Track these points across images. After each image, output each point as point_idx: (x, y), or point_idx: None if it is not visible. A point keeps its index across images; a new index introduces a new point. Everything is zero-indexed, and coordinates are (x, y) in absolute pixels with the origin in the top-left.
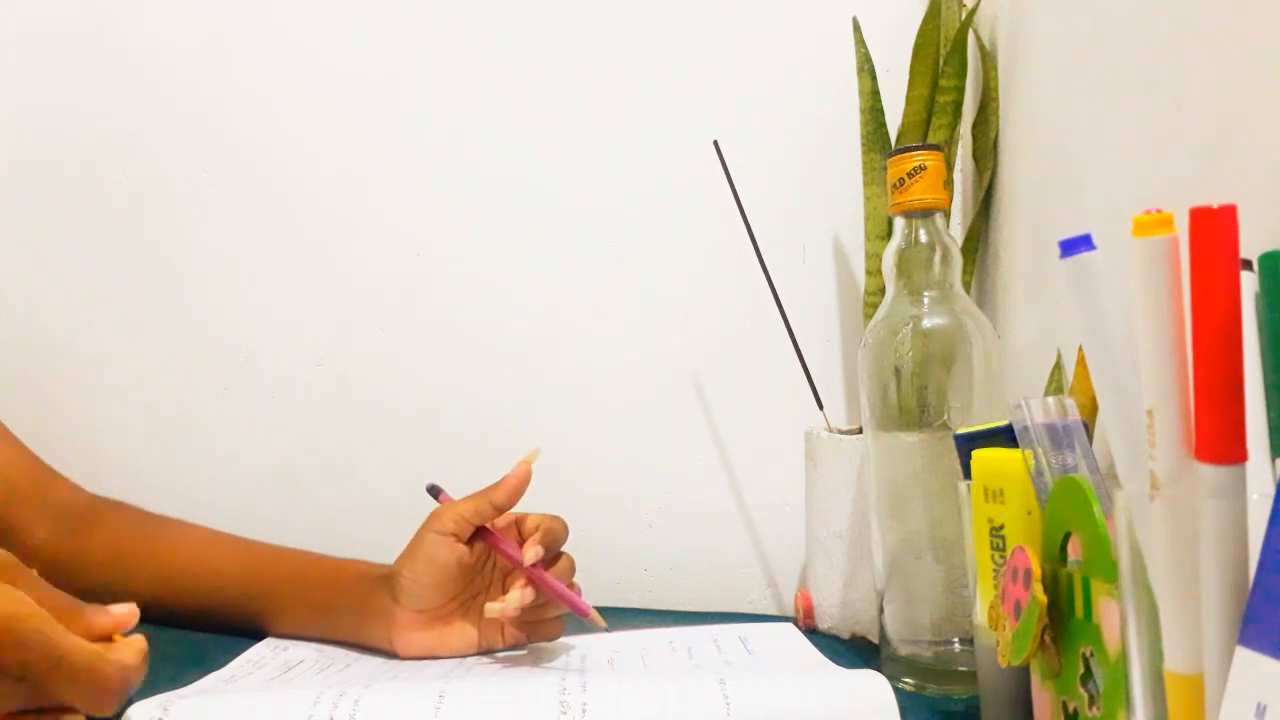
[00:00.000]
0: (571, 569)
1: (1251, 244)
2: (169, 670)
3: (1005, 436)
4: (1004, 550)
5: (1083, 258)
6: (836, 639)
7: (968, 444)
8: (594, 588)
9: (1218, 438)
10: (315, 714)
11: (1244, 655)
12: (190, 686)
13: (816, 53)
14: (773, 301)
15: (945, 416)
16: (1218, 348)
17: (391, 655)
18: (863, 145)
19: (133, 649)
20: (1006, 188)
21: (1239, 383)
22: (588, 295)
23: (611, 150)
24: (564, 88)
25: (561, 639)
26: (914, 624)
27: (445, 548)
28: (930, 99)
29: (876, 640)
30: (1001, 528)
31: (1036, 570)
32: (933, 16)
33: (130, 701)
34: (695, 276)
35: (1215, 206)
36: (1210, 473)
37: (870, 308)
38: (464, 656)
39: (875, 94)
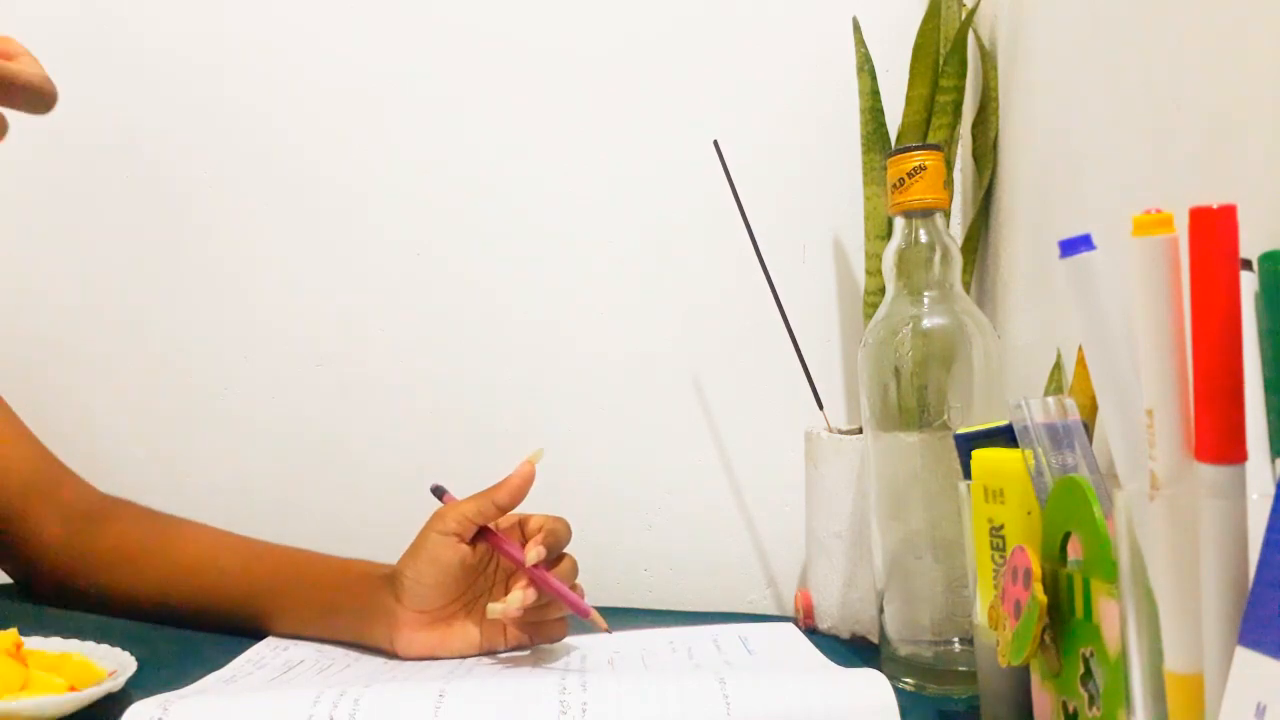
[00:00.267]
0: (574, 570)
1: (1251, 244)
2: (169, 670)
3: (1005, 436)
4: (1004, 550)
5: (1083, 258)
6: (836, 639)
7: (968, 444)
8: (595, 588)
9: (1217, 438)
10: (315, 714)
11: (1244, 655)
12: (190, 686)
13: (816, 53)
14: (773, 301)
15: (945, 416)
16: (1217, 348)
17: (392, 656)
18: (863, 145)
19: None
20: (1006, 188)
21: (1239, 383)
22: (587, 295)
23: (611, 150)
24: (564, 87)
25: (561, 639)
26: (914, 624)
27: (448, 548)
28: (930, 99)
29: (876, 640)
30: (1001, 528)
31: (1036, 570)
32: (933, 16)
33: (130, 701)
34: (695, 276)
35: (1215, 206)
36: (1210, 473)
37: (870, 308)
38: (465, 657)
39: (875, 94)
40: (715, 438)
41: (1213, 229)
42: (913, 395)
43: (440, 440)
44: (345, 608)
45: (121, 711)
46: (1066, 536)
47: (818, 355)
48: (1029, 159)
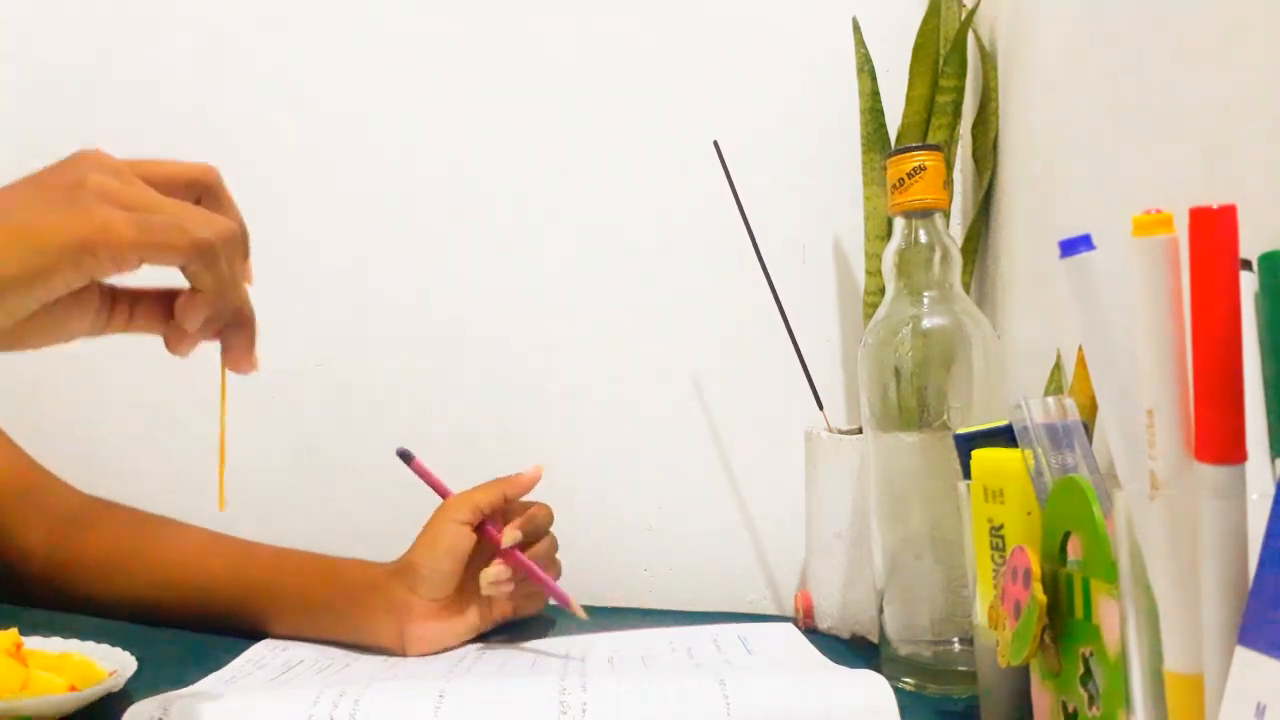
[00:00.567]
0: (552, 549)
1: (1251, 244)
2: (169, 670)
3: (1005, 436)
4: (1004, 550)
5: (1082, 258)
6: (836, 639)
7: (968, 444)
8: (595, 588)
9: (1217, 438)
10: (315, 714)
11: (1244, 655)
12: (190, 686)
13: (816, 53)
14: (773, 301)
15: (945, 416)
16: (1217, 348)
17: (394, 653)
18: (863, 145)
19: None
20: (1006, 188)
21: (1239, 383)
22: (587, 295)
23: (611, 150)
24: (563, 88)
25: (561, 638)
26: (914, 624)
27: (464, 537)
28: (930, 99)
29: (876, 640)
30: (1001, 528)
31: (1036, 570)
32: (933, 16)
33: (130, 701)
34: (695, 277)
35: (1215, 207)
36: (1210, 473)
37: (870, 308)
38: (466, 645)
39: (875, 94)
40: (715, 438)
41: (1213, 229)
42: (913, 395)
43: (439, 440)
44: (342, 607)
45: (121, 711)
46: (1066, 536)
47: (818, 355)
48: (1029, 159)
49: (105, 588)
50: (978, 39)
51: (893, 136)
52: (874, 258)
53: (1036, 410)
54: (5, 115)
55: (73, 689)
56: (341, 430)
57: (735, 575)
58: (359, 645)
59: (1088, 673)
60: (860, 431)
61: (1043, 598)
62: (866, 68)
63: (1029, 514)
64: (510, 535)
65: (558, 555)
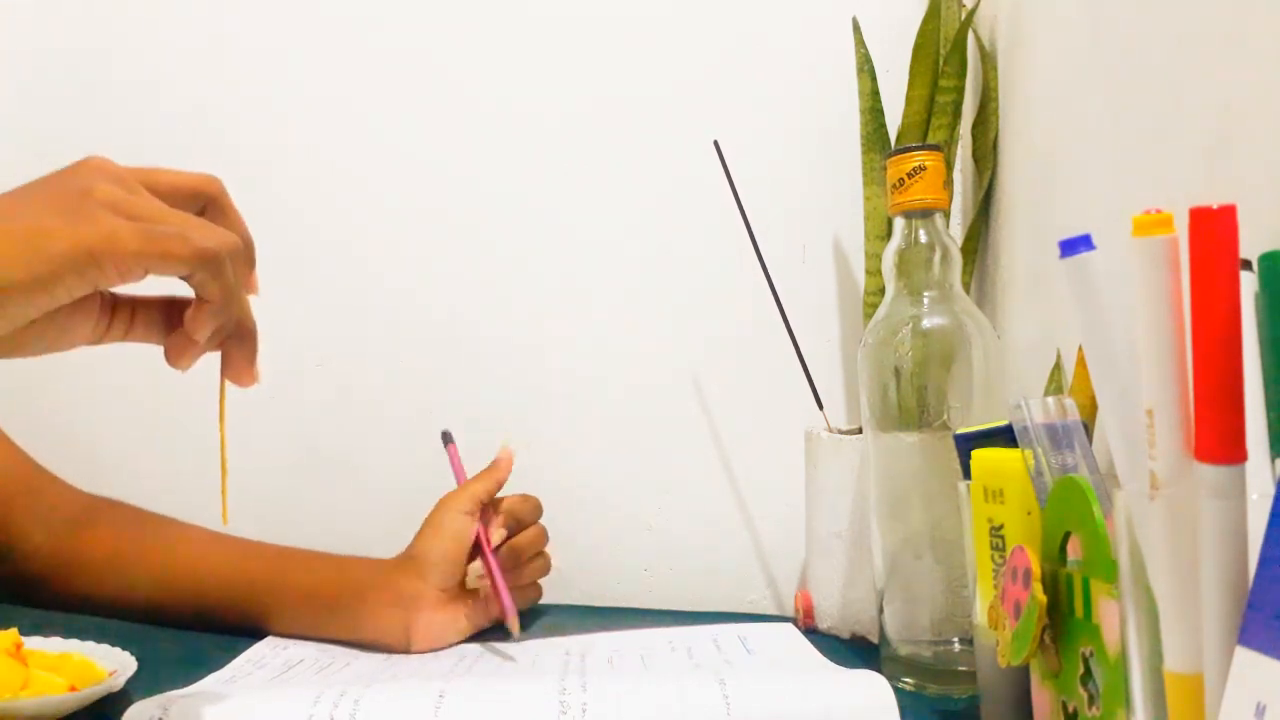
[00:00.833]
0: (538, 540)
1: (1251, 244)
2: (169, 670)
3: (1005, 436)
4: (1004, 550)
5: (1082, 258)
6: (836, 639)
7: (968, 444)
8: (594, 588)
9: (1217, 438)
10: (315, 714)
11: (1244, 655)
12: (190, 686)
13: (816, 53)
14: (773, 301)
15: (945, 416)
16: (1217, 348)
17: (398, 649)
18: (863, 145)
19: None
20: (1006, 188)
21: (1239, 383)
22: (587, 295)
23: (611, 150)
24: (563, 87)
25: (562, 639)
26: (914, 624)
27: (468, 525)
28: (930, 99)
29: (876, 640)
30: (1001, 528)
31: (1036, 570)
32: (933, 16)
33: (130, 701)
34: (695, 276)
35: (1215, 206)
36: (1210, 473)
37: (870, 308)
38: (466, 644)
39: (875, 94)
40: (715, 438)
41: (1213, 229)
42: (913, 395)
43: (439, 441)
44: (345, 602)
45: (121, 711)
46: (1066, 536)
47: (818, 355)
48: (1029, 159)
49: (106, 587)
50: (978, 39)
51: (893, 136)
52: (874, 258)
53: (1036, 410)
54: (5, 114)
55: (72, 689)
56: (342, 430)
57: (735, 575)
58: (362, 643)
59: (1088, 673)
60: (860, 431)
61: (1043, 598)
62: (866, 68)
63: (1029, 514)
64: (496, 535)
65: (547, 550)
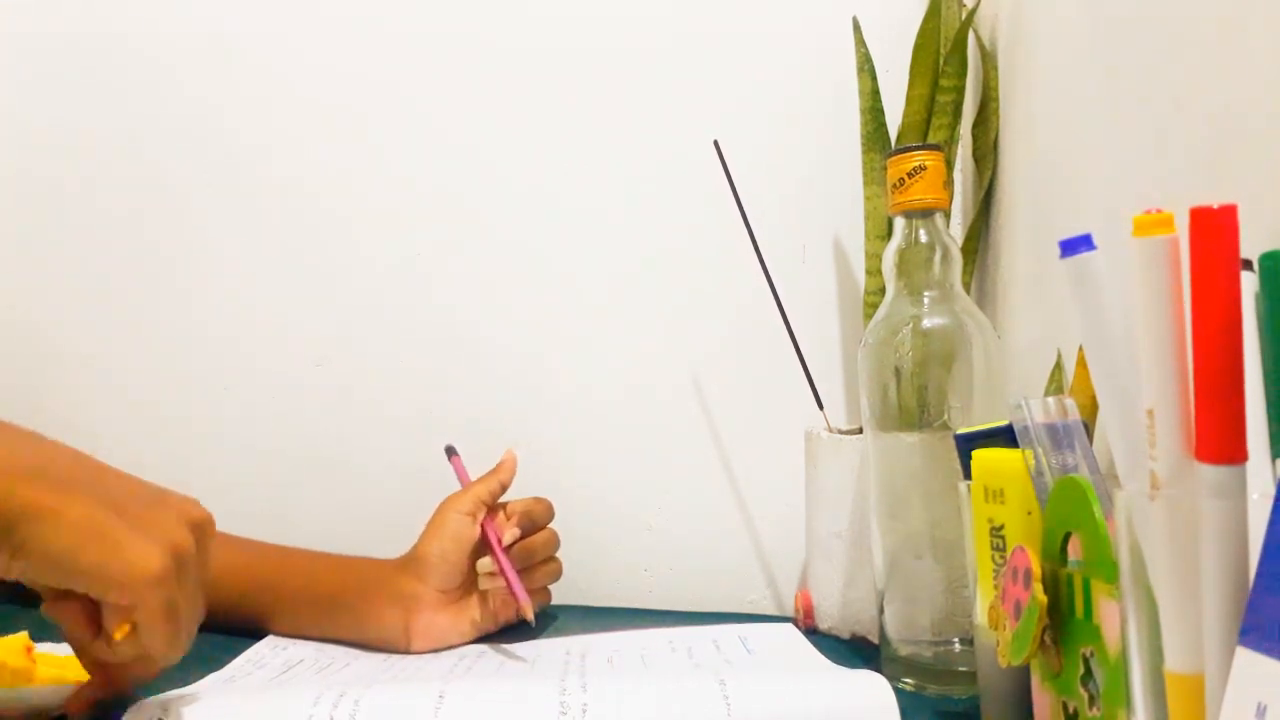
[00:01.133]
0: (550, 544)
1: (1252, 244)
2: (169, 670)
3: (1005, 436)
4: (1004, 550)
5: (1083, 258)
6: (836, 639)
7: (968, 444)
8: (594, 588)
9: (1218, 438)
10: (315, 714)
11: (1244, 655)
12: (190, 686)
13: (816, 53)
14: (773, 301)
15: (945, 416)
16: (1218, 348)
17: (398, 649)
18: (863, 145)
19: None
20: (1006, 188)
21: (1239, 383)
22: (587, 295)
23: (611, 150)
24: (564, 87)
25: (561, 638)
26: (914, 624)
27: (468, 526)
28: (930, 99)
29: (876, 640)
30: (1001, 528)
31: (1036, 570)
32: (933, 16)
33: (131, 701)
34: (695, 276)
35: (1215, 206)
36: (1210, 473)
37: (870, 308)
38: (470, 642)
39: (875, 94)
40: (715, 438)
41: (1213, 229)
42: (913, 395)
43: (439, 440)
44: (346, 601)
45: (122, 712)
46: (1067, 536)
47: (818, 355)
48: (1029, 159)
49: None
50: (978, 38)
51: (893, 136)
52: (874, 257)
53: (1037, 410)
54: (4, 113)
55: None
56: (342, 430)
57: (735, 575)
58: (363, 642)
59: (1088, 673)
60: (860, 431)
61: (1043, 598)
62: (866, 67)
63: (1029, 514)
64: (510, 534)
65: (558, 555)
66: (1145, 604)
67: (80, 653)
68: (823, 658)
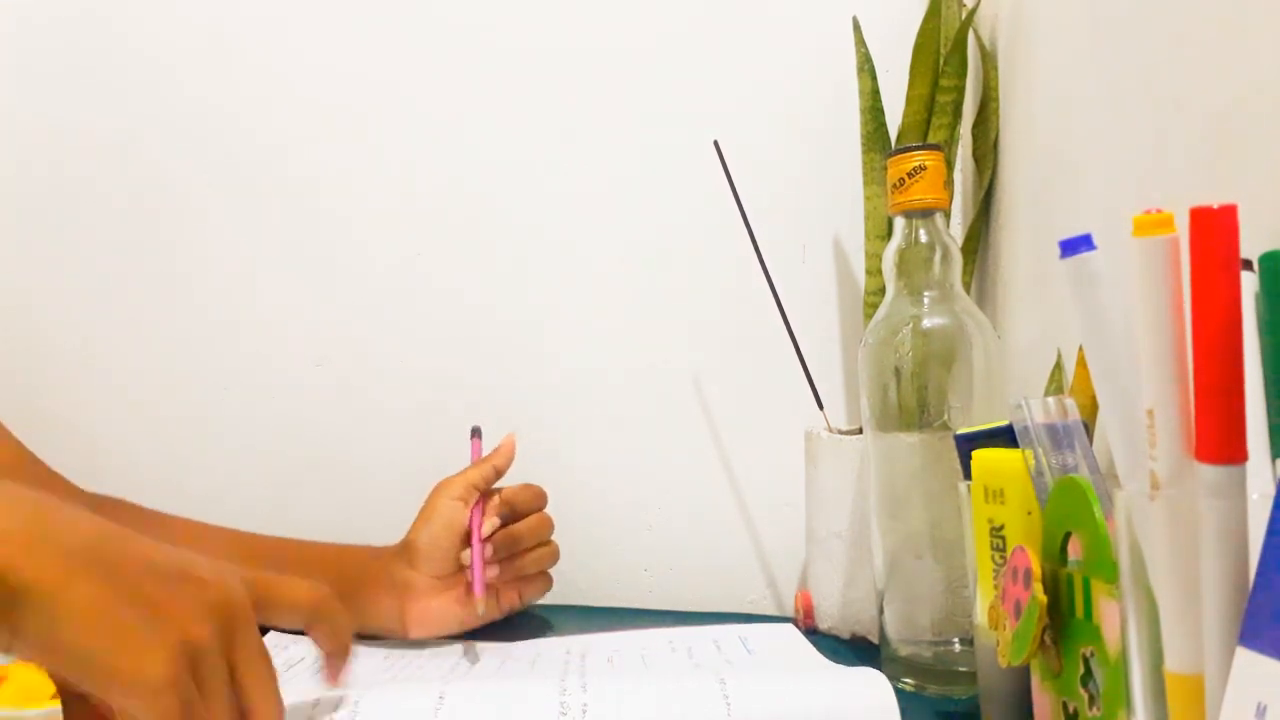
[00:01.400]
0: (540, 529)
1: (1252, 244)
2: None
3: (1005, 436)
4: (1004, 550)
5: (1083, 257)
6: (836, 639)
7: (968, 444)
8: (594, 587)
9: (1218, 438)
10: (314, 716)
11: (1244, 655)
12: None
13: (816, 53)
14: (773, 301)
15: (945, 416)
16: (1218, 348)
17: (393, 637)
18: (863, 145)
19: None
20: (1006, 188)
21: (1239, 383)
22: (587, 295)
23: (611, 150)
24: (564, 87)
25: (561, 638)
26: (914, 624)
27: (458, 511)
28: (930, 99)
29: (876, 640)
30: (1002, 528)
31: (1036, 570)
32: (933, 16)
33: None
34: (695, 276)
35: (1215, 206)
36: (1210, 473)
37: (870, 308)
38: (468, 640)
39: (875, 94)
40: (715, 438)
41: (1213, 229)
42: (913, 395)
43: (439, 440)
44: (342, 592)
45: None
46: (1067, 536)
47: (818, 355)
48: (1029, 159)
49: None
50: (978, 38)
51: (893, 136)
52: (874, 257)
53: (1037, 410)
54: (4, 112)
55: None
56: (342, 430)
57: (735, 575)
58: (360, 631)
59: (1088, 673)
60: (860, 431)
61: (1043, 598)
62: (866, 67)
63: (1029, 514)
64: (489, 524)
65: (553, 539)
66: (1145, 604)
67: None
68: (823, 658)
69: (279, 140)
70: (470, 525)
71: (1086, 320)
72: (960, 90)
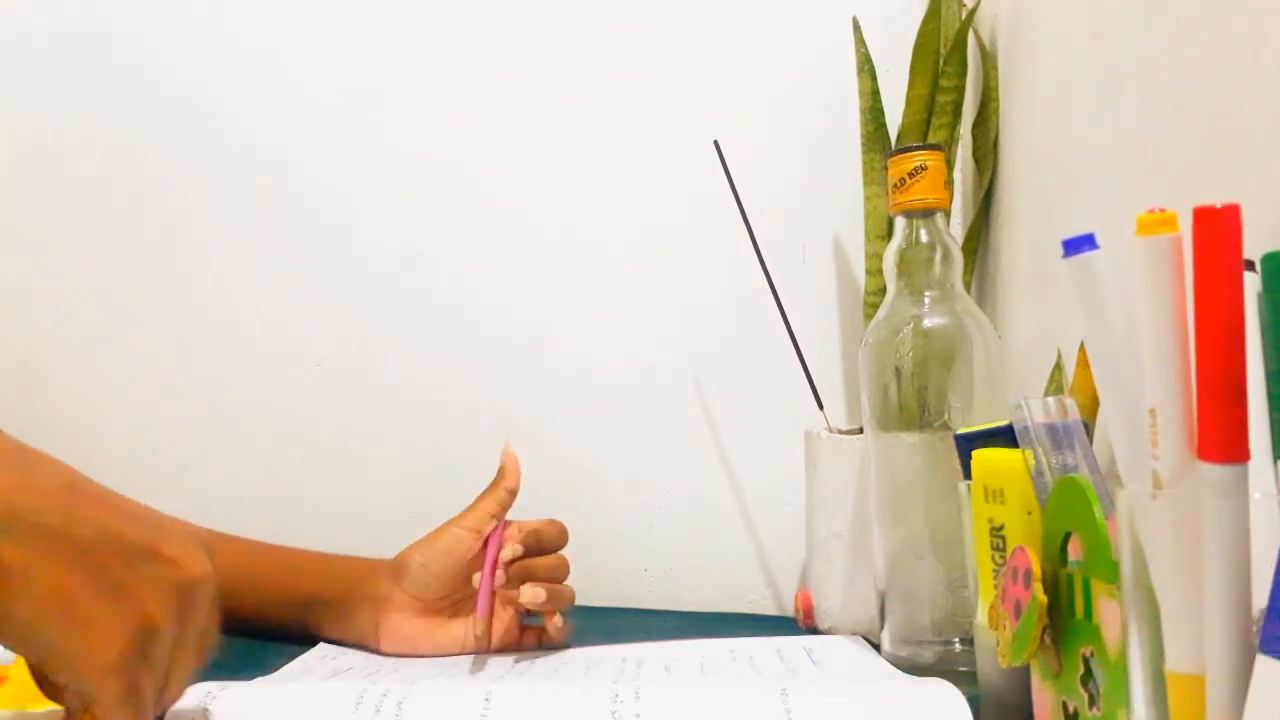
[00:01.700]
0: (557, 570)
1: (1254, 244)
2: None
3: (1005, 436)
4: (1004, 550)
5: (1086, 257)
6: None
7: (968, 444)
8: (594, 587)
9: (1220, 437)
10: (359, 714)
11: (1265, 664)
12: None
13: (816, 53)
14: (773, 301)
15: (945, 416)
16: (1220, 347)
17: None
18: (863, 145)
19: None
20: (1006, 188)
21: (1241, 382)
22: (587, 295)
23: (612, 150)
24: (564, 87)
25: (617, 646)
26: (914, 624)
27: (464, 543)
28: (930, 99)
29: (877, 640)
30: (1002, 528)
31: (1036, 570)
32: (933, 16)
33: None
34: (695, 276)
35: (1218, 206)
36: (1213, 472)
37: (871, 308)
38: (444, 656)
39: (875, 94)
40: (715, 438)
41: (1216, 229)
42: (913, 395)
43: (439, 441)
44: (326, 600)
45: None
46: (1067, 536)
47: (818, 355)
48: (1029, 159)
49: None
50: (978, 39)
51: (893, 136)
52: (874, 257)
53: (1037, 410)
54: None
55: None
56: (342, 429)
57: (735, 575)
58: (342, 641)
59: (1088, 673)
60: (860, 431)
61: (1043, 598)
62: (866, 68)
63: (1029, 514)
64: (510, 549)
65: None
66: (1146, 604)
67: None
68: (892, 668)
69: (279, 140)
70: (485, 548)
71: (1089, 320)
72: (960, 90)
